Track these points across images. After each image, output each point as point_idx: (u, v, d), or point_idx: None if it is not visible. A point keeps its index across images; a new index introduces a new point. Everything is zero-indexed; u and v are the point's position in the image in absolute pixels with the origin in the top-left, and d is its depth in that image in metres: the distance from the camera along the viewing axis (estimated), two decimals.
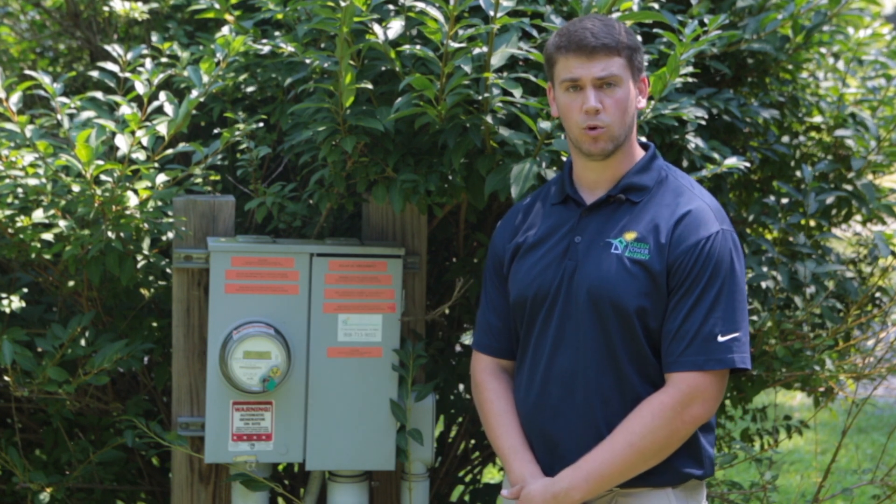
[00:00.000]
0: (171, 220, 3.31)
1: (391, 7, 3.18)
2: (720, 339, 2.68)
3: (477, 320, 3.01)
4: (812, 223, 3.86)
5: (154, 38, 3.76)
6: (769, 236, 3.94)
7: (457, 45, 2.96)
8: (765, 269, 3.60)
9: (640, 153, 2.84)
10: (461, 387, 3.90)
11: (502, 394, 2.90)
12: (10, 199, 3.25)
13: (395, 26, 3.09)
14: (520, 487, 2.77)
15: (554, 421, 2.77)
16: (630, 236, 2.74)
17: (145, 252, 3.34)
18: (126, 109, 3.26)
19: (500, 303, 2.92)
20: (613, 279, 2.71)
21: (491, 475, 4.93)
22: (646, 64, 3.29)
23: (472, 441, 4.04)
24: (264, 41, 3.41)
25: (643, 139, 2.92)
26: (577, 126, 2.73)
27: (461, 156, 3.10)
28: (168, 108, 3.29)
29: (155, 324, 3.60)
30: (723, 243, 2.72)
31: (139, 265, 3.35)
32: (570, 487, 2.71)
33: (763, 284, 3.64)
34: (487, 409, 2.91)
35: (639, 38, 3.32)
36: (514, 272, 2.87)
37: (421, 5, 3.01)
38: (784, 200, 3.84)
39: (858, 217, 4.11)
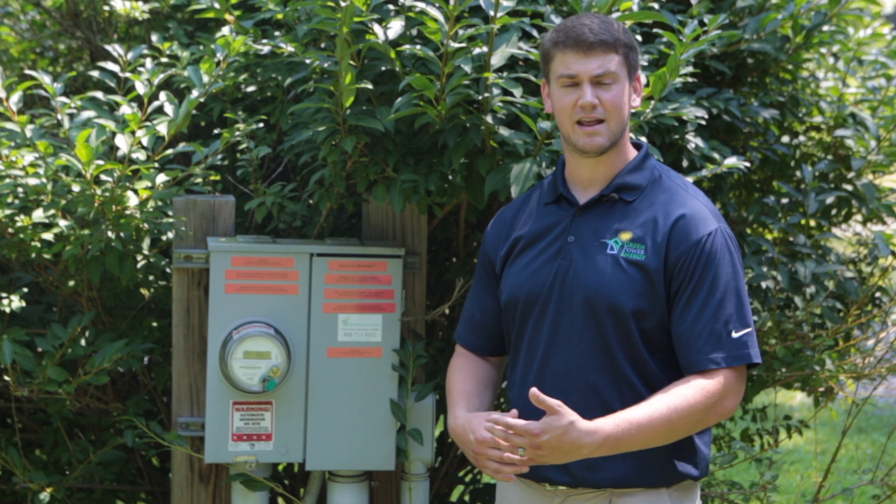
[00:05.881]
0: (171, 220, 3.31)
1: (391, 7, 3.18)
2: (734, 335, 2.68)
3: (462, 313, 3.01)
4: (812, 223, 3.85)
5: (154, 38, 3.75)
6: (769, 236, 3.94)
7: (457, 45, 2.96)
8: (765, 269, 3.59)
9: (632, 152, 2.83)
10: None
11: (465, 367, 2.91)
12: (10, 199, 3.25)
13: (395, 26, 3.09)
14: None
15: None
16: (626, 236, 2.73)
17: (145, 252, 3.34)
18: (126, 109, 3.26)
19: (487, 301, 2.92)
20: (609, 280, 2.70)
21: None
22: (644, 64, 3.30)
23: None
24: (264, 41, 3.40)
25: (643, 139, 2.91)
26: (571, 121, 2.72)
27: (461, 156, 3.10)
28: (168, 108, 3.29)
29: (155, 324, 3.60)
30: (723, 240, 2.72)
31: (139, 265, 3.35)
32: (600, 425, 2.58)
33: (763, 284, 3.64)
34: (450, 379, 2.91)
35: (638, 37, 3.34)
36: (507, 273, 2.86)
37: (421, 5, 3.01)
38: (784, 200, 3.84)
39: (858, 217, 4.11)
